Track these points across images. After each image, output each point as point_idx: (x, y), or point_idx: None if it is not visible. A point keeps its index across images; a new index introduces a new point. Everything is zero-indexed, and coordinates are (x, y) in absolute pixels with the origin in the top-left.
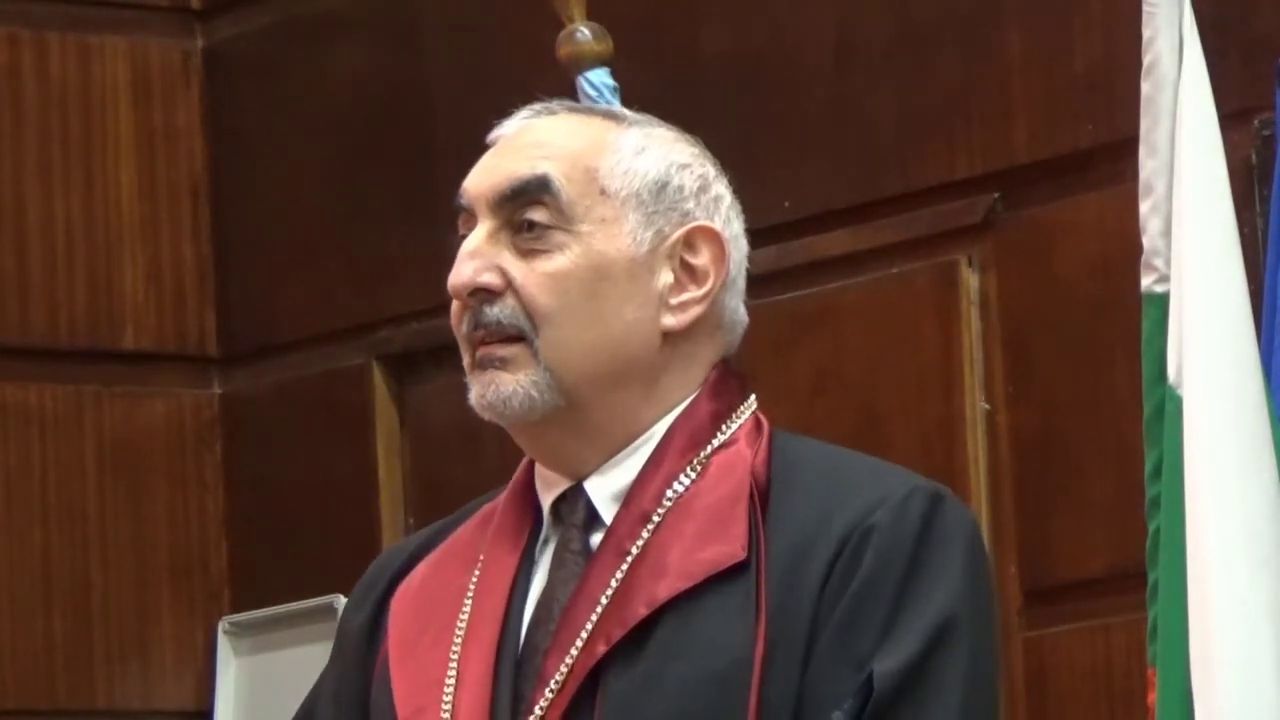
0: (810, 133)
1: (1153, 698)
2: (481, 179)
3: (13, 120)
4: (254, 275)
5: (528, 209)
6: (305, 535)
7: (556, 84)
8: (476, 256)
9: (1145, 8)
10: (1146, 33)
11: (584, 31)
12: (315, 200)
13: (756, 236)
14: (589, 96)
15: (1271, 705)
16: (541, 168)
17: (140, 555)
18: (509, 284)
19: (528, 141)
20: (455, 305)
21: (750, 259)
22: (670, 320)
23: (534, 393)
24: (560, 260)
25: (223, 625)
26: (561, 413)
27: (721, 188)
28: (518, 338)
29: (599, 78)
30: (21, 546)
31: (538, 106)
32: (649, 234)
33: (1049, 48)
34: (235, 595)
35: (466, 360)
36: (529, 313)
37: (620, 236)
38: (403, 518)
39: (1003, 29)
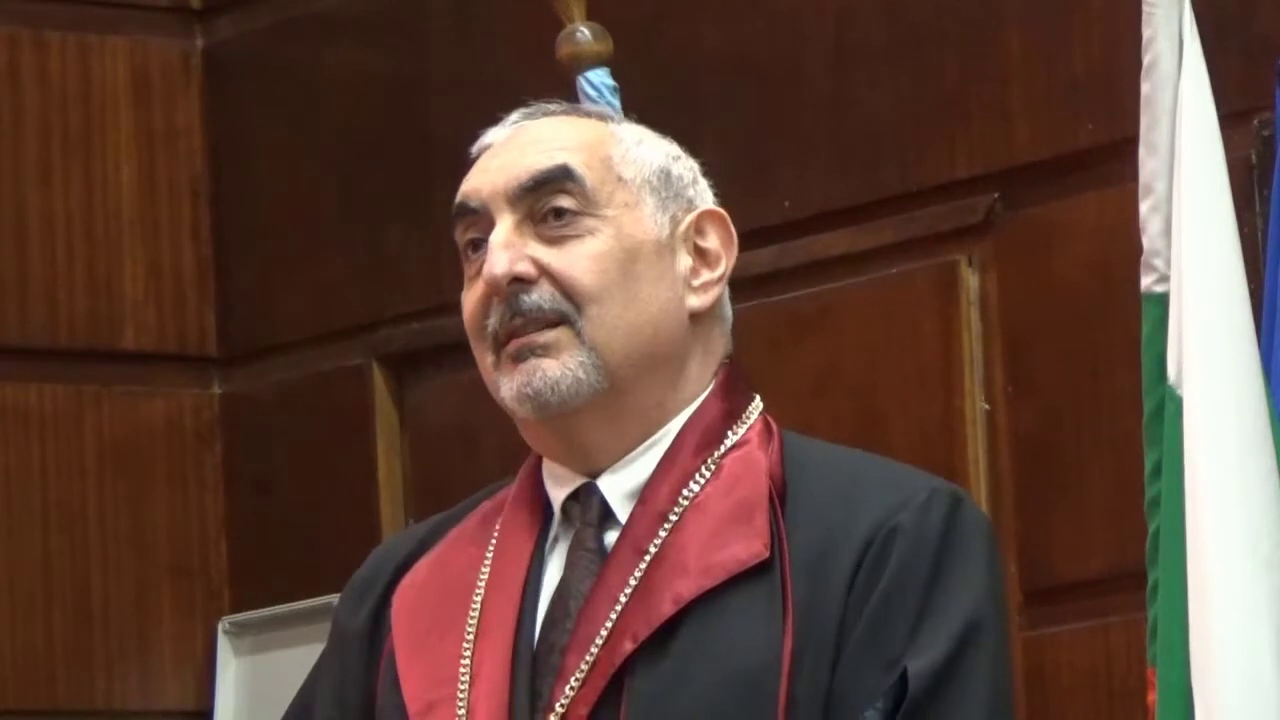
0: (810, 132)
1: (1152, 697)
2: (494, 178)
3: (12, 120)
4: (254, 275)
5: (553, 197)
6: (305, 535)
7: (556, 84)
8: (508, 248)
9: (1145, 7)
10: (1146, 32)
11: (584, 32)
12: (315, 200)
13: (757, 236)
14: (589, 97)
15: (1271, 705)
16: (560, 158)
17: (140, 555)
18: (542, 271)
19: (533, 139)
20: (474, 303)
21: (750, 259)
22: (695, 301)
23: (581, 374)
24: (595, 243)
25: (223, 625)
26: (602, 397)
27: (705, 182)
28: (558, 321)
29: (599, 78)
30: (21, 546)
31: (528, 109)
32: (665, 219)
33: (1049, 47)
34: (235, 595)
35: (490, 358)
36: (570, 294)
37: (644, 219)
38: (403, 517)
39: (1002, 29)
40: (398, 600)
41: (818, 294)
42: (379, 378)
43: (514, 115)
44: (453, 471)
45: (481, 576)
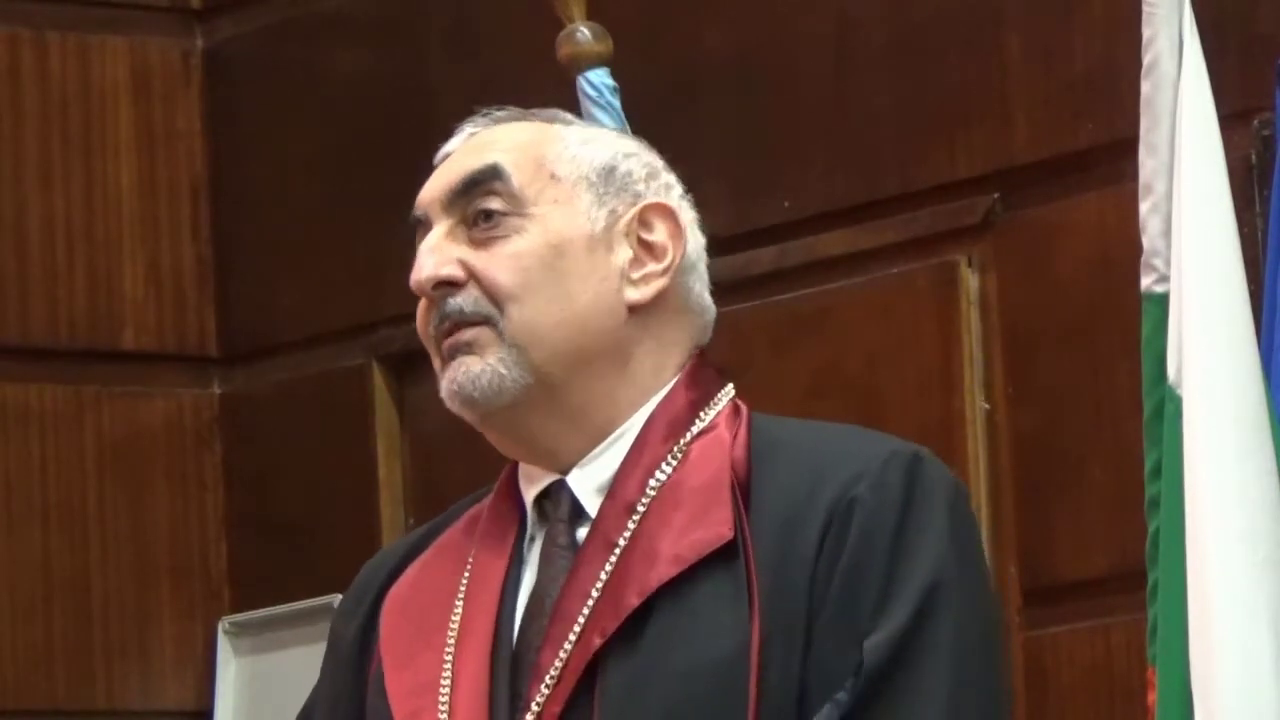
0: (810, 133)
1: (1152, 697)
2: (433, 185)
3: (13, 120)
4: (254, 275)
5: (481, 199)
6: (305, 535)
7: (556, 84)
8: (435, 252)
9: (1145, 8)
10: (1146, 32)
11: (584, 32)
12: (315, 200)
13: (756, 236)
14: (589, 97)
15: (1271, 705)
16: (490, 159)
17: (140, 555)
18: (470, 275)
19: (474, 145)
20: (420, 309)
21: (750, 259)
22: (634, 294)
23: (502, 369)
24: (519, 242)
25: (223, 625)
26: (532, 392)
27: (671, 178)
28: (480, 322)
29: (599, 78)
30: (21, 546)
31: (480, 118)
32: (602, 213)
33: (1049, 48)
34: (235, 595)
35: (437, 363)
36: (492, 296)
37: (575, 215)
38: (402, 517)
39: (1002, 29)
40: (385, 610)
41: (818, 294)
42: (379, 378)
43: (468, 124)
44: (452, 472)
45: (463, 582)
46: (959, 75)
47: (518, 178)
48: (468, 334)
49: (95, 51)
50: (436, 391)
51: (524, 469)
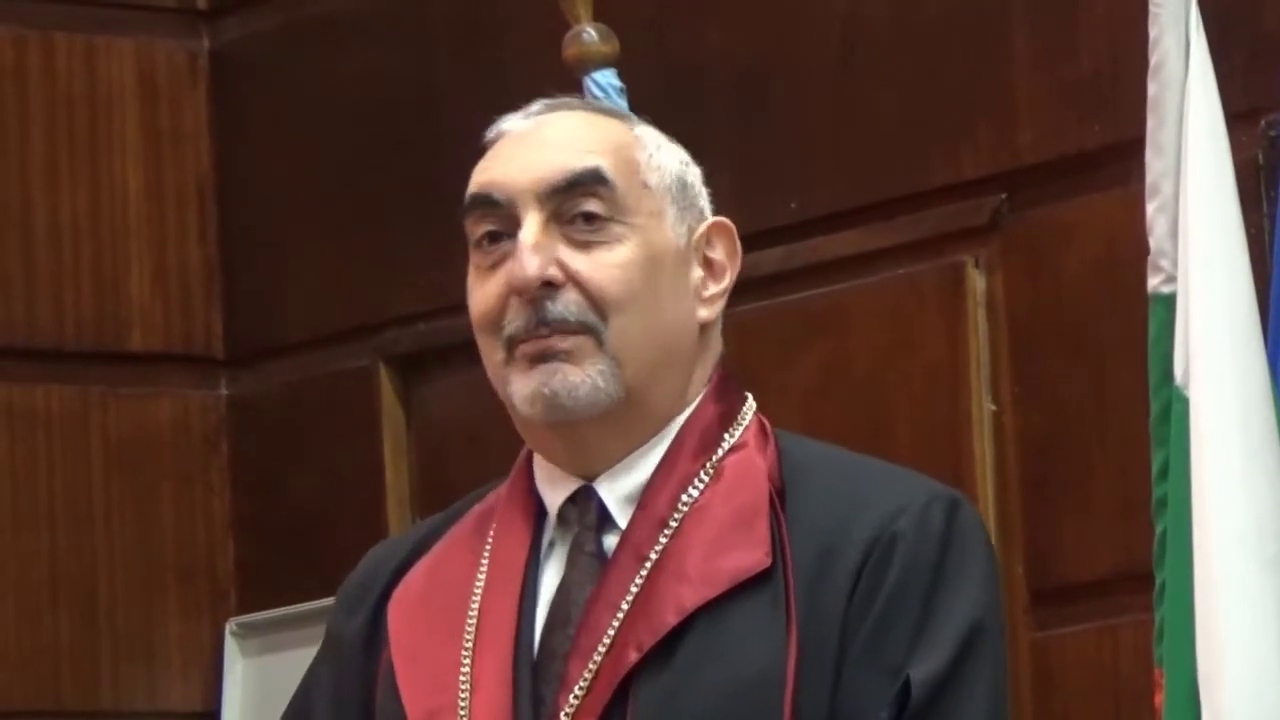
0: (816, 134)
1: (1159, 699)
2: (520, 174)
3: (19, 121)
4: (260, 276)
5: (584, 200)
6: (312, 536)
7: (563, 85)
8: (539, 250)
9: (1151, 7)
10: (1153, 32)
11: (590, 32)
12: (322, 201)
13: (763, 238)
14: (595, 97)
15: (1277, 705)
16: (592, 160)
17: (147, 556)
18: (569, 278)
19: (560, 137)
20: (491, 298)
21: (757, 260)
22: (704, 313)
23: (600, 382)
24: (623, 251)
25: (229, 626)
26: (618, 405)
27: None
28: (581, 330)
29: (605, 78)
30: (28, 547)
31: (551, 101)
32: (683, 229)
33: (1055, 48)
34: (242, 596)
35: (500, 355)
36: (596, 304)
37: (666, 229)
38: (409, 518)
39: (1009, 29)
40: (394, 607)
41: (825, 295)
42: (385, 379)
43: (535, 105)
44: (459, 472)
45: (478, 581)
46: (965, 76)
47: (620, 183)
48: (567, 342)
49: (102, 53)
50: (443, 392)
51: (546, 471)
